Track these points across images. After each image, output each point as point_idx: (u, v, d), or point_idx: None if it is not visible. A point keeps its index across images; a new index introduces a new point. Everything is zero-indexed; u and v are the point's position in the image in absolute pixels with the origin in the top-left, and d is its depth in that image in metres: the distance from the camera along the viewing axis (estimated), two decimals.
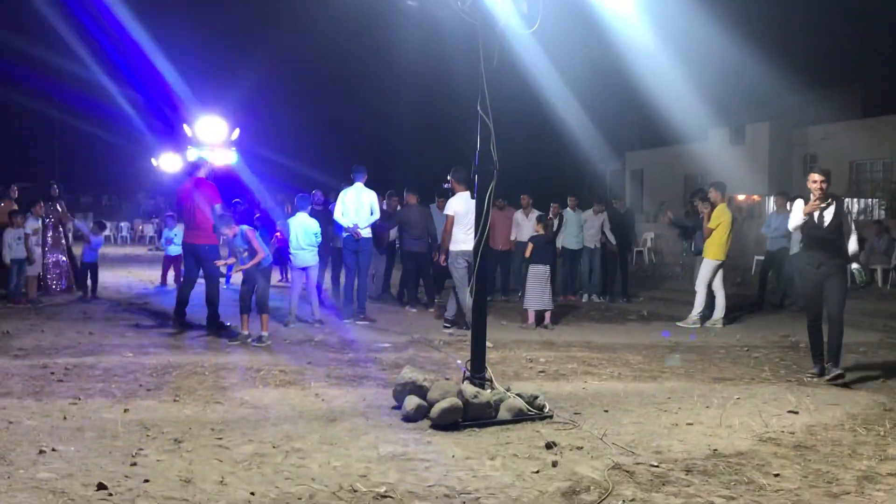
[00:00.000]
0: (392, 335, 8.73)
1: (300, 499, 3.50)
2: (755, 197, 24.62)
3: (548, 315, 9.69)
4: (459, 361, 6.76)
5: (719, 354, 8.00)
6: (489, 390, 5.01)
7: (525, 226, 12.43)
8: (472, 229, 8.99)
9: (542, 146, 31.81)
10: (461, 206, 8.92)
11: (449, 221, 8.96)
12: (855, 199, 21.81)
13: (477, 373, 5.10)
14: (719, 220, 9.92)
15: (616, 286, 13.20)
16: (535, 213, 12.58)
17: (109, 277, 14.36)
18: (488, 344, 7.26)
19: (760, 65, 24.14)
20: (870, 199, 20.92)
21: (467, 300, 9.07)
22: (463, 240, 8.88)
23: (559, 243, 12.81)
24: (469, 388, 4.85)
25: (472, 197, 8.97)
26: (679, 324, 10.06)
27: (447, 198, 9.50)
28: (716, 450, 4.38)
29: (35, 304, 10.32)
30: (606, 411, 5.31)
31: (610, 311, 11.59)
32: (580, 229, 13.03)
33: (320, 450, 4.23)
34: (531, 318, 9.63)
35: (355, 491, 3.60)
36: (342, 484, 3.69)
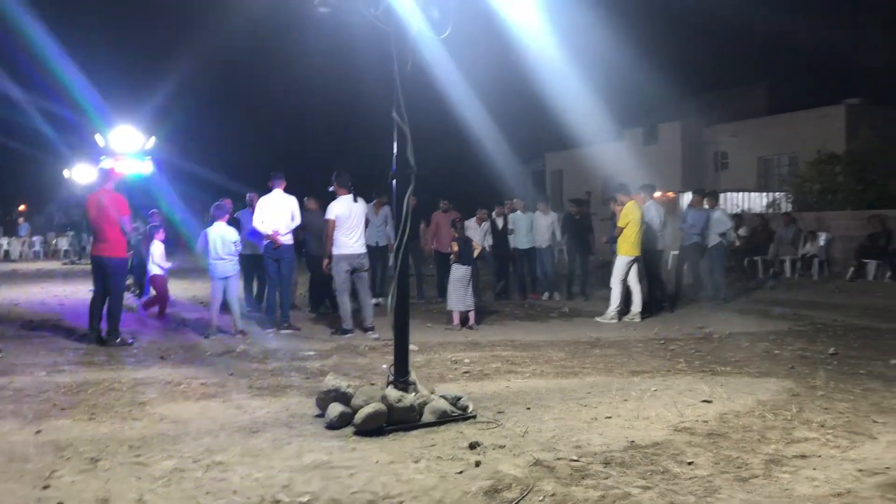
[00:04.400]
0: (317, 342, 8.67)
1: None
2: (670, 194, 25.35)
3: (472, 315, 9.79)
4: (385, 366, 6.78)
5: (638, 348, 8.23)
6: (413, 394, 5.03)
7: (476, 232, 12.49)
8: (356, 232, 9.12)
9: (464, 150, 32.05)
10: (342, 209, 8.98)
11: (330, 226, 8.98)
12: (763, 194, 22.74)
13: (401, 377, 5.12)
14: (628, 219, 10.24)
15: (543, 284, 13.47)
16: (486, 224, 12.85)
17: (21, 294, 13.82)
18: (413, 347, 7.31)
19: (670, 66, 24.92)
20: (777, 193, 21.79)
21: (346, 305, 9.15)
22: (345, 243, 8.94)
23: (512, 244, 13.25)
24: (393, 393, 4.87)
25: (355, 200, 9.10)
26: (598, 319, 10.31)
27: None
28: (633, 441, 4.51)
29: None
30: (529, 409, 5.40)
31: (533, 310, 11.77)
32: (530, 230, 13.29)
33: (242, 462, 4.18)
34: (456, 319, 9.71)
35: (278, 502, 3.58)
36: (264, 495, 3.66)
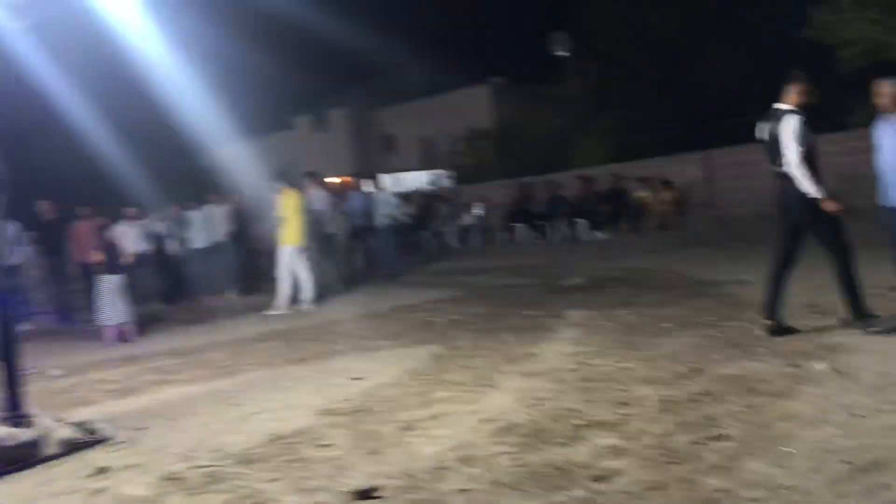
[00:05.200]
0: None
1: None
2: (343, 179, 25.99)
3: (129, 328, 9.10)
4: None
5: (303, 336, 8.21)
6: (30, 427, 4.48)
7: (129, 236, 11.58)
8: None
9: (116, 151, 29.97)
10: None
11: None
12: (428, 172, 24.19)
13: (14, 411, 4.53)
14: (288, 207, 10.22)
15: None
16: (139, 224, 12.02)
17: None
18: (58, 372, 6.62)
19: (333, 53, 25.37)
20: (438, 170, 23.28)
21: None
22: None
23: (188, 244, 12.87)
24: (3, 431, 4.29)
25: None
26: (267, 312, 10.16)
27: None
28: (276, 434, 4.44)
29: None
30: (174, 419, 5.09)
31: (203, 312, 11.29)
32: (207, 225, 12.71)
33: None
34: (108, 334, 8.96)
35: None
36: None
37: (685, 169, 15.87)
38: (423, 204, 18.54)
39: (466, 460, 3.70)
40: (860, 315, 5.59)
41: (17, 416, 4.51)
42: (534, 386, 4.96)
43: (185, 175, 33.16)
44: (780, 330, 5.73)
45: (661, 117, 18.20)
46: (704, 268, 10.15)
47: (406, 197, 17.89)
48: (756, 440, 3.60)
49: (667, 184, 15.44)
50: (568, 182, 17.37)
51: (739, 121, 17.51)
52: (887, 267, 5.67)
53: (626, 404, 4.36)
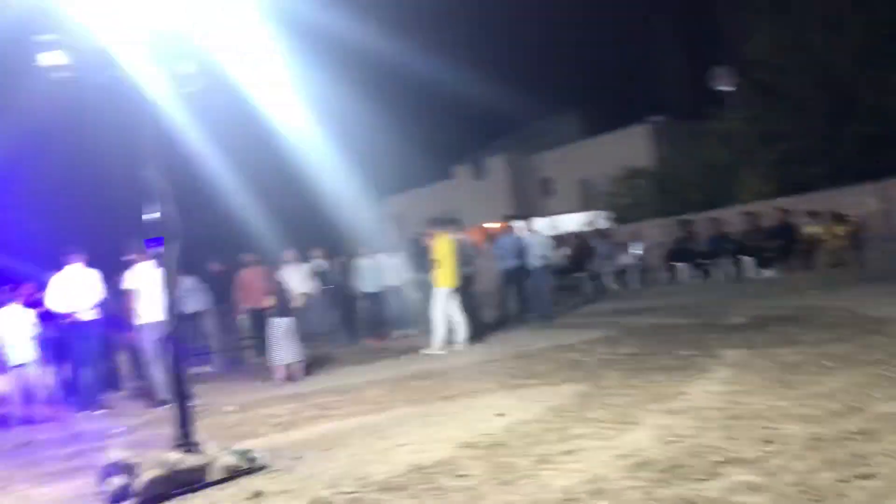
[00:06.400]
0: (129, 418, 8.31)
1: None
2: (501, 224, 26.38)
3: (298, 367, 9.69)
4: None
5: (456, 374, 8.42)
6: (198, 454, 4.92)
7: (294, 277, 12.39)
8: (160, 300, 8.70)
9: (298, 203, 32.00)
10: (142, 277, 8.72)
11: (132, 297, 8.74)
12: (585, 213, 24.05)
13: (184, 439, 5.00)
14: (442, 251, 10.54)
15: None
16: (303, 266, 12.85)
17: None
18: (230, 408, 7.18)
19: (491, 101, 25.97)
20: (595, 211, 23.07)
21: (158, 375, 8.72)
22: (150, 311, 8.60)
23: (362, 288, 13.50)
24: (173, 456, 4.76)
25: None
26: (423, 352, 10.47)
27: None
28: (417, 464, 4.62)
29: None
30: (328, 450, 5.40)
31: (365, 353, 11.80)
32: (377, 273, 13.48)
33: None
34: (280, 373, 9.58)
35: None
36: None
37: (861, 201, 14.82)
38: (578, 245, 18.44)
39: (596, 493, 3.70)
40: None
41: (188, 444, 4.97)
42: (676, 423, 4.85)
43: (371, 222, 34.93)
44: None
45: (833, 147, 17.16)
46: (880, 305, 9.42)
47: (562, 239, 17.90)
48: None
49: (840, 217, 14.49)
50: (732, 219, 16.71)
51: None
52: None
53: (770, 441, 4.18)
